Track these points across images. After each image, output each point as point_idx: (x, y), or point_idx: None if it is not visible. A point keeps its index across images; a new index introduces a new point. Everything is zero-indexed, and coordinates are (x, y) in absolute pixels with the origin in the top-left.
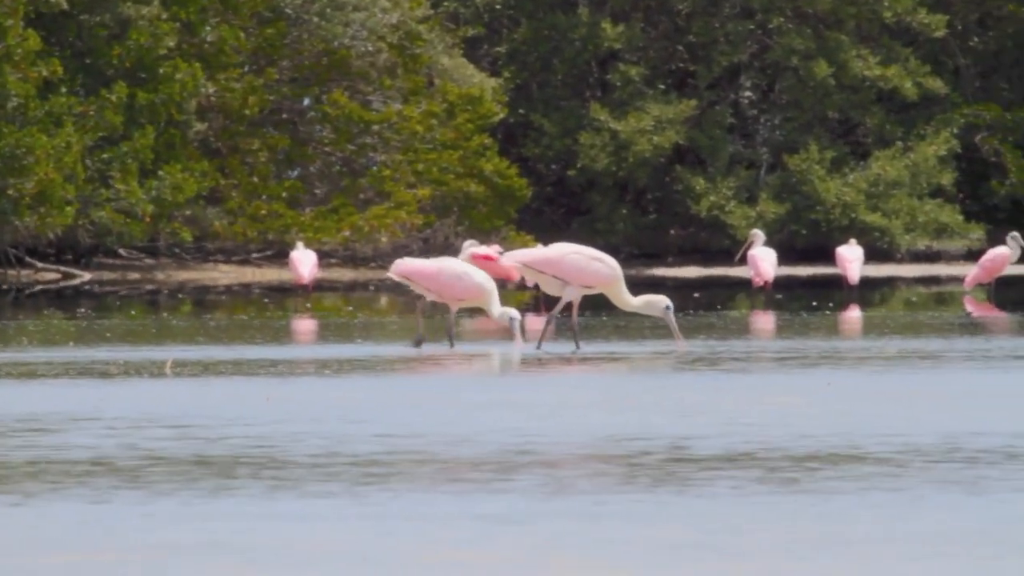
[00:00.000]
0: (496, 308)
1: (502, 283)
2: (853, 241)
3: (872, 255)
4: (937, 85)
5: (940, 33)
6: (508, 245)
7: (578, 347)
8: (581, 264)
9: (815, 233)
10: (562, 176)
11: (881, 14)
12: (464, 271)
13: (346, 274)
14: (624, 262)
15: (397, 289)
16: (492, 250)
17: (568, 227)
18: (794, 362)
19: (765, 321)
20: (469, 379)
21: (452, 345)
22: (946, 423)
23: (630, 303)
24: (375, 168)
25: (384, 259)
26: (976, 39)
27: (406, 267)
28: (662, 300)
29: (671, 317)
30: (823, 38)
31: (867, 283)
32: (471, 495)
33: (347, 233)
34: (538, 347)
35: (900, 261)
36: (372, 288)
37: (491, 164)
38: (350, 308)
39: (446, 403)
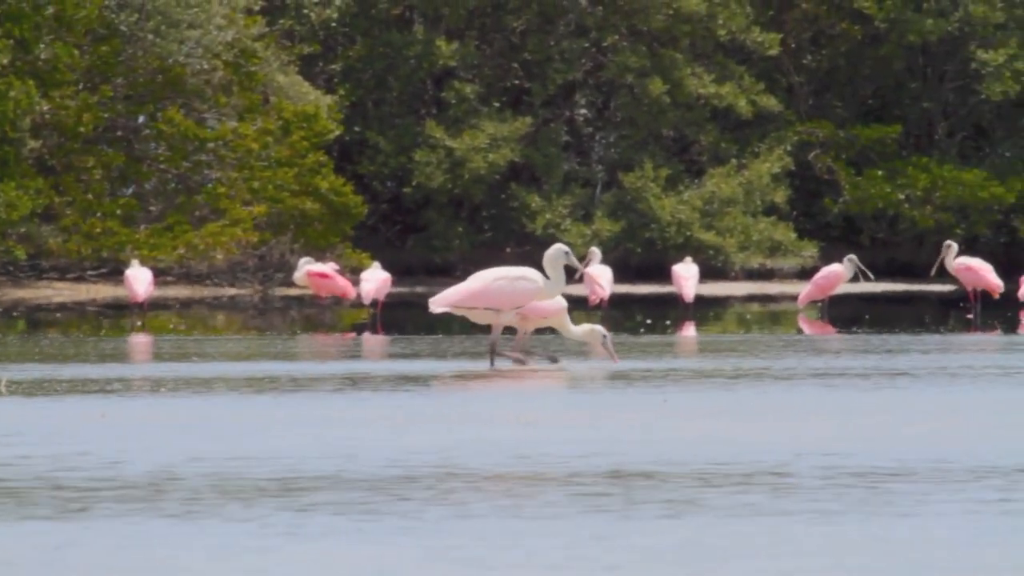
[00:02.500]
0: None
1: (337, 300)
2: (688, 259)
3: (707, 273)
4: (771, 103)
5: (774, 51)
6: (344, 262)
7: (492, 365)
8: (507, 288)
9: (650, 251)
10: (398, 193)
11: (715, 32)
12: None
13: (182, 292)
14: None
15: (232, 307)
16: (328, 267)
17: (404, 245)
18: (628, 380)
19: None
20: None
21: (555, 360)
22: (779, 441)
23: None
24: (210, 185)
25: (219, 276)
26: (809, 57)
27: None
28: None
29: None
30: (658, 56)
31: (702, 301)
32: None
33: (182, 251)
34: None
35: (734, 279)
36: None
37: (326, 182)
38: (183, 326)
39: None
